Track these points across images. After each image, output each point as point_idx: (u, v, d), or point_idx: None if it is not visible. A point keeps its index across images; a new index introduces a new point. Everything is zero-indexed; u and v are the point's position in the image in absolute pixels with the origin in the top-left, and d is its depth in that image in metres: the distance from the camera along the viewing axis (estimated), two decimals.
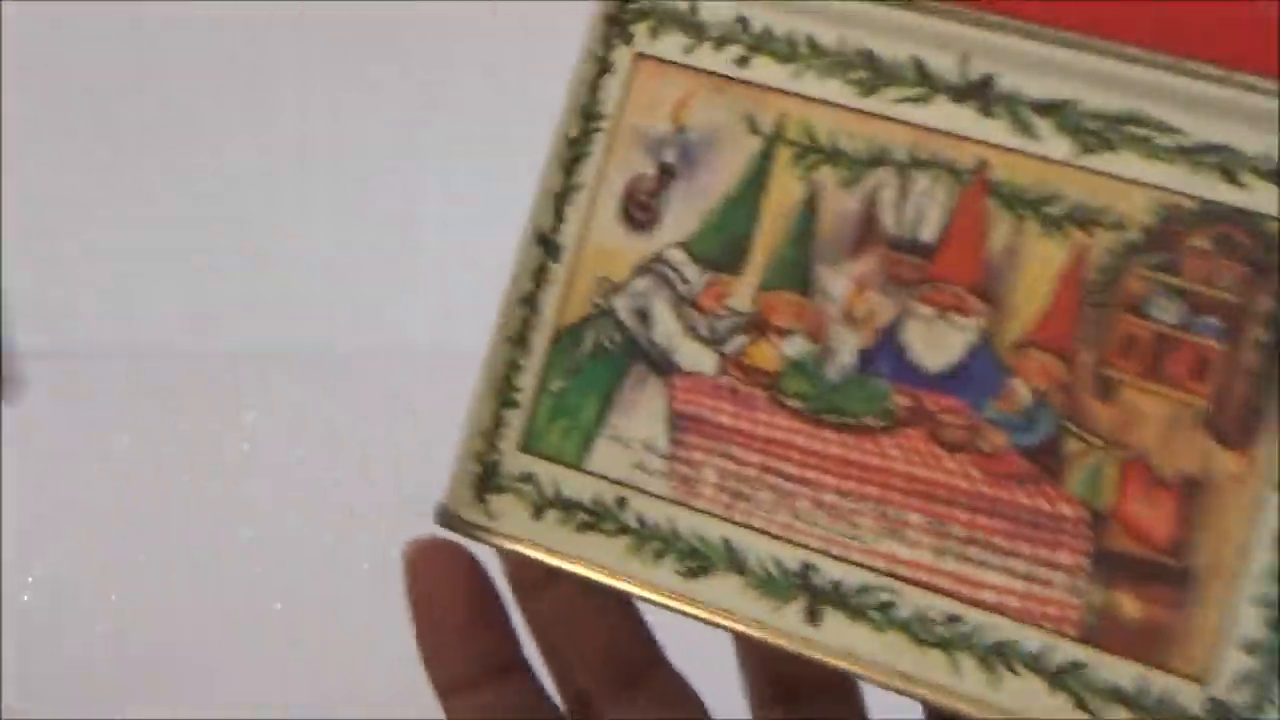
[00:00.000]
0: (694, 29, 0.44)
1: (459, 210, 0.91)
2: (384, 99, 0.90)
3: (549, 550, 0.43)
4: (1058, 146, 0.41)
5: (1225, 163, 0.40)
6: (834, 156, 0.43)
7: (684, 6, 0.44)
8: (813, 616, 0.42)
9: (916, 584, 0.41)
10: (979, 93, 0.42)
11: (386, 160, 0.91)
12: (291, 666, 0.73)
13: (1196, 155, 0.41)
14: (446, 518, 0.45)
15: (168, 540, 0.80)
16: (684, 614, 0.42)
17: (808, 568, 0.42)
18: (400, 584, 0.47)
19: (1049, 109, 0.41)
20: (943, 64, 0.42)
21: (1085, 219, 0.41)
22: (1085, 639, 0.40)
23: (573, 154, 0.44)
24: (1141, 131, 0.41)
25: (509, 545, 0.44)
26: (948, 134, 0.42)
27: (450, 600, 0.47)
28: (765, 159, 0.43)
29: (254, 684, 0.75)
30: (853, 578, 0.42)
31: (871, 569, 0.42)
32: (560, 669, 0.49)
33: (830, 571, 0.42)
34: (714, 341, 0.43)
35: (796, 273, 0.43)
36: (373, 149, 0.91)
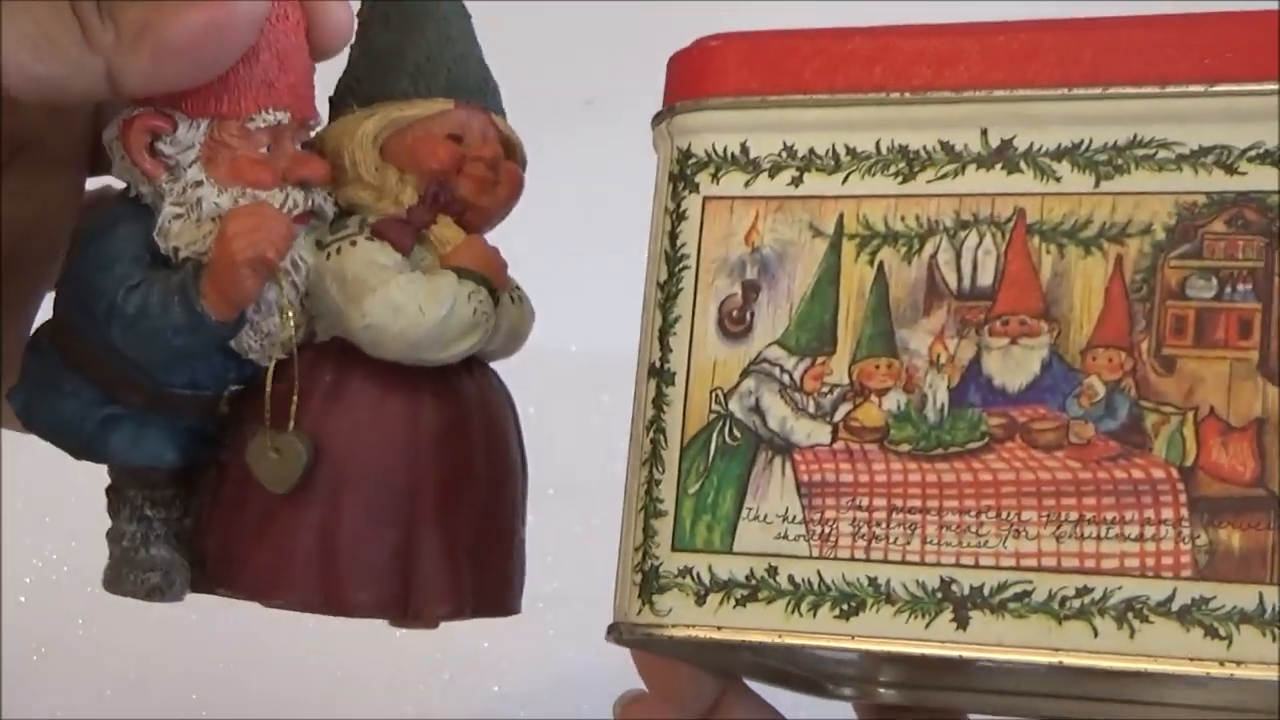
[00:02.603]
0: (749, 165, 0.54)
1: None
2: None
3: (719, 628, 0.51)
4: (1079, 182, 0.51)
5: (1222, 159, 0.50)
6: (891, 238, 0.52)
7: (736, 150, 0.54)
8: (961, 622, 0.49)
9: (1046, 570, 0.49)
10: (1002, 155, 0.52)
11: None
12: (293, 668, 0.76)
13: (1197, 158, 0.50)
14: (620, 631, 0.53)
15: None
16: (849, 649, 0.50)
17: (947, 582, 0.50)
18: None
19: (1064, 153, 0.51)
20: (966, 140, 0.52)
21: (1116, 234, 0.50)
22: (1202, 576, 0.47)
23: (665, 294, 0.54)
24: (1146, 151, 0.50)
25: (682, 633, 0.52)
26: (984, 195, 0.52)
27: None
28: (834, 255, 0.53)
29: (255, 685, 0.77)
30: (989, 580, 0.49)
31: (1004, 568, 0.49)
32: None
33: (968, 580, 0.49)
34: (823, 415, 0.52)
35: (881, 340, 0.52)
36: None
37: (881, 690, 0.67)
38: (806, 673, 0.65)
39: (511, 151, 0.59)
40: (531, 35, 0.66)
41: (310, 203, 0.56)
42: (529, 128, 0.58)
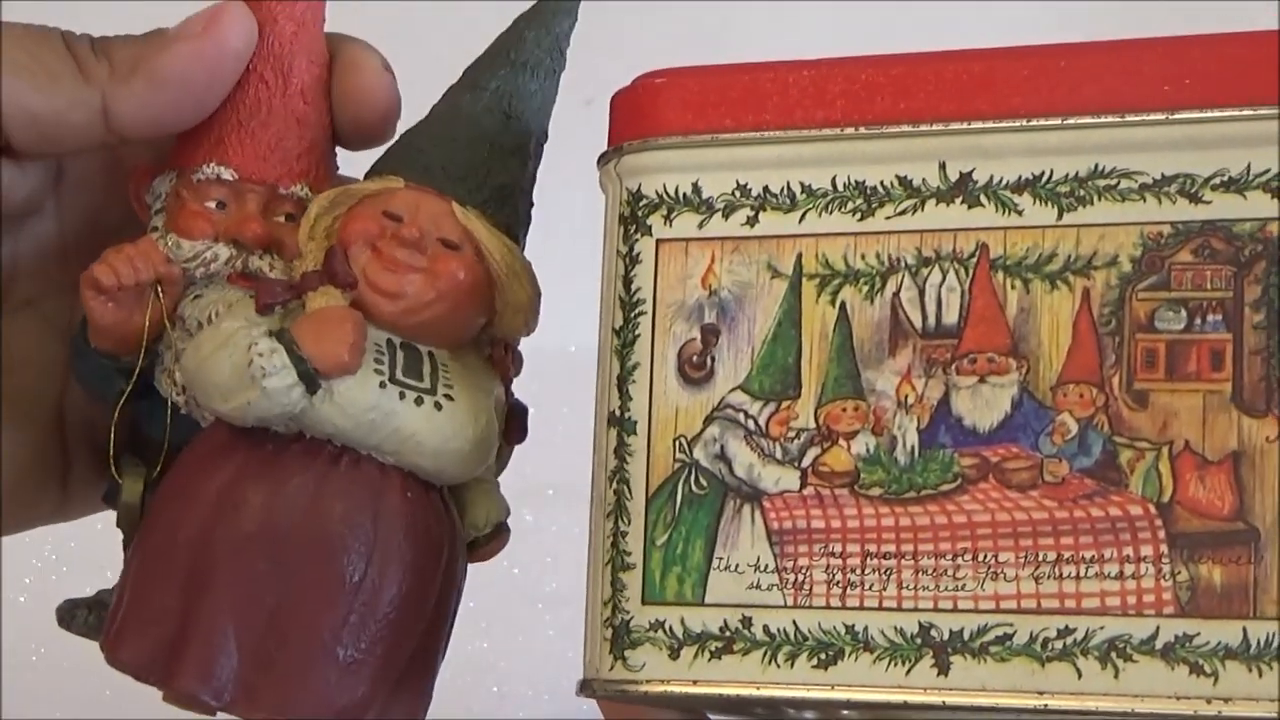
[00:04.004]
0: (702, 206, 0.54)
1: None
2: None
3: (695, 682, 0.52)
4: (1041, 214, 0.52)
5: (1186, 188, 0.51)
6: (852, 276, 0.53)
7: (688, 190, 0.55)
8: (942, 668, 0.50)
9: (1026, 612, 0.50)
10: (962, 189, 0.52)
11: None
12: None
13: (1160, 188, 0.51)
14: (590, 688, 0.53)
15: None
16: (828, 700, 0.51)
17: (926, 627, 0.50)
18: None
19: (1025, 186, 0.52)
20: (924, 174, 0.53)
21: (1082, 267, 0.51)
22: (1185, 613, 0.48)
23: (622, 340, 0.54)
24: (1108, 182, 0.51)
25: (658, 689, 0.52)
26: (945, 230, 0.52)
27: None
28: (794, 295, 0.53)
29: None
30: (969, 623, 0.50)
31: (983, 611, 0.50)
32: None
33: (947, 624, 0.50)
34: (791, 460, 0.52)
35: (847, 382, 0.52)
36: None
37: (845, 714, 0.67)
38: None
39: (476, 249, 0.57)
40: None
41: (243, 264, 0.57)
42: None
